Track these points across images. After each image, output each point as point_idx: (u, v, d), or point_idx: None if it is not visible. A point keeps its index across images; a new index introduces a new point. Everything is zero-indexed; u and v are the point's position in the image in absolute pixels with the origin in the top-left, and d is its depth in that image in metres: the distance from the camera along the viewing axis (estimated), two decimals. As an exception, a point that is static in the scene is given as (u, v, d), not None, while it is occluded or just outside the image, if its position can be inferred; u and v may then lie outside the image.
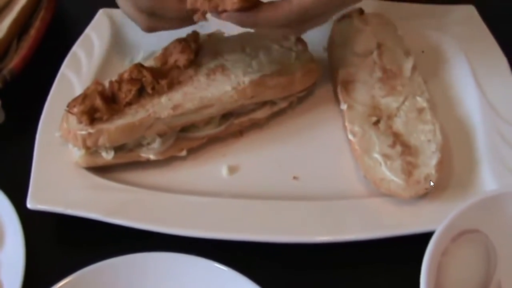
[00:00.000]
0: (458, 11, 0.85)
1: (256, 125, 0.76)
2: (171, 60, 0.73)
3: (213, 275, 0.60)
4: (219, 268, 0.60)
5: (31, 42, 0.83)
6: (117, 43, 0.85)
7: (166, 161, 0.72)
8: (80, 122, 0.68)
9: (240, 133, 0.75)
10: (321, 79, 0.79)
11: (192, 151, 0.73)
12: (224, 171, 0.72)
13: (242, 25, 0.63)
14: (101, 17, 0.87)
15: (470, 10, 0.85)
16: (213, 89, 0.71)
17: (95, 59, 0.82)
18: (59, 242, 0.70)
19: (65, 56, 0.82)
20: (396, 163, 0.66)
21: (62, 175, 0.70)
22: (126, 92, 0.69)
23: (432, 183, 0.64)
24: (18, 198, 0.68)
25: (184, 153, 0.72)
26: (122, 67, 0.82)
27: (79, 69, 0.80)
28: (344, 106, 0.74)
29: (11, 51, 0.84)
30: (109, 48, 0.84)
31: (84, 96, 0.69)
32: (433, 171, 0.65)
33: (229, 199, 0.67)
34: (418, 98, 0.73)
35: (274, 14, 0.61)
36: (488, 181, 0.67)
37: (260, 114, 0.74)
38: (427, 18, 0.85)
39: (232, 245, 0.64)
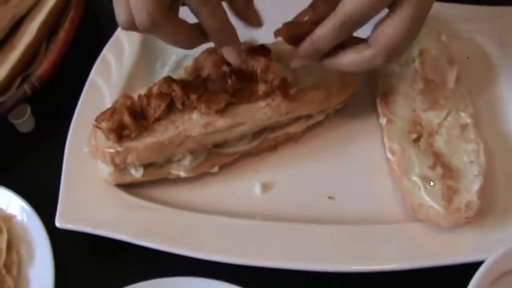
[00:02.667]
0: (508, 15, 0.80)
1: (291, 139, 0.73)
2: (203, 73, 0.70)
3: None
4: None
5: (60, 46, 0.81)
6: (148, 46, 0.82)
7: (197, 176, 0.70)
8: (108, 138, 0.67)
9: (274, 147, 0.73)
10: (361, 87, 0.75)
11: (224, 166, 0.71)
12: (257, 189, 0.70)
13: (306, 55, 0.63)
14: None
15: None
16: (245, 105, 0.68)
17: (125, 63, 0.80)
18: (88, 260, 0.69)
19: (95, 59, 0.80)
20: (436, 187, 0.63)
21: (91, 193, 0.69)
22: (155, 108, 0.67)
23: (473, 212, 0.61)
24: (47, 211, 0.69)
25: (216, 169, 0.70)
26: (153, 71, 0.81)
27: (109, 75, 0.78)
28: (383, 121, 0.71)
29: (40, 54, 0.82)
30: (139, 51, 0.81)
31: (112, 110, 0.67)
32: (474, 198, 0.62)
33: (261, 222, 0.65)
34: (462, 114, 0.69)
35: (322, 27, 0.59)
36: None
37: (295, 128, 0.71)
38: (474, 21, 0.80)
39: (264, 271, 0.62)
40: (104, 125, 0.66)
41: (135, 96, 0.69)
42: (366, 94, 0.76)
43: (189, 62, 0.77)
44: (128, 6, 0.56)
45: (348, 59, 0.61)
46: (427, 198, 0.63)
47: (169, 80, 0.68)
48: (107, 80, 0.78)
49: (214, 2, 0.59)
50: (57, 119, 0.77)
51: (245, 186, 0.70)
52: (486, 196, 0.63)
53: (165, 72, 0.80)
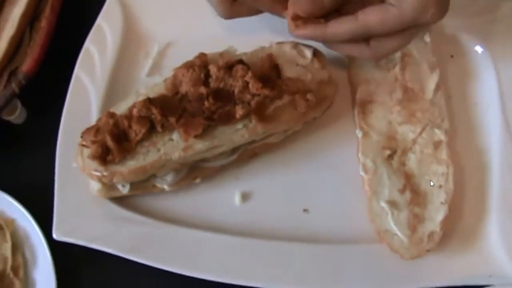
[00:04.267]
0: (498, 10, 0.77)
1: (270, 146, 0.75)
2: (182, 89, 0.70)
3: None
4: None
5: (43, 39, 0.80)
6: (131, 35, 0.82)
7: (181, 184, 0.75)
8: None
9: (254, 154, 0.75)
10: (343, 91, 0.76)
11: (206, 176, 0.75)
12: (237, 198, 0.74)
13: (312, 38, 0.66)
14: (113, 4, 0.82)
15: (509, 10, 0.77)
16: (223, 128, 0.69)
17: (109, 55, 0.80)
18: (86, 260, 0.75)
19: (79, 47, 0.80)
20: (402, 214, 0.67)
21: (84, 205, 0.73)
22: (137, 131, 0.69)
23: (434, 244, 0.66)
24: (43, 210, 0.74)
25: (198, 180, 0.74)
26: (137, 62, 0.81)
27: (93, 70, 0.79)
28: (359, 134, 0.72)
29: (24, 45, 0.81)
30: (122, 41, 0.81)
31: (96, 129, 0.70)
32: (438, 229, 0.66)
33: (239, 238, 0.70)
34: (436, 131, 0.70)
35: (339, 28, 0.64)
36: (494, 238, 0.68)
37: (274, 139, 0.73)
38: (458, 16, 0.76)
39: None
40: (89, 147, 0.69)
41: (117, 111, 0.71)
42: (347, 100, 0.77)
43: (171, 52, 0.79)
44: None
45: (347, 48, 0.67)
46: (393, 226, 0.67)
47: (147, 103, 0.69)
48: (92, 76, 0.79)
49: None
50: (48, 109, 0.81)
51: (226, 195, 0.74)
52: (450, 225, 0.67)
53: (148, 63, 0.81)
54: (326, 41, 0.67)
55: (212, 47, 0.74)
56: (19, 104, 0.81)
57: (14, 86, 0.78)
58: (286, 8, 0.67)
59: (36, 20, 0.83)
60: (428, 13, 0.59)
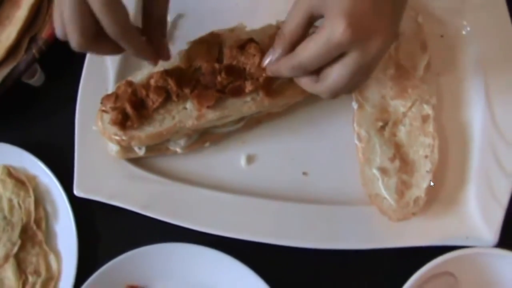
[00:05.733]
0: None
1: (274, 114, 0.82)
2: (196, 63, 0.76)
3: (218, 263, 0.76)
4: (226, 257, 0.75)
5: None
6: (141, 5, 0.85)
7: (191, 146, 0.82)
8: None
9: (259, 121, 0.82)
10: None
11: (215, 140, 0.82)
12: (243, 161, 0.81)
13: (284, 73, 0.67)
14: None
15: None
16: (233, 100, 0.76)
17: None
18: (104, 214, 0.82)
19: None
20: (391, 180, 0.75)
21: (103, 165, 0.81)
22: (154, 100, 0.75)
23: (419, 208, 0.74)
24: (63, 167, 0.81)
25: (207, 144, 0.81)
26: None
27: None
28: (355, 106, 0.79)
29: (42, 13, 0.86)
30: (137, 10, 0.84)
31: (116, 96, 0.76)
32: (422, 195, 0.74)
33: (244, 197, 0.78)
34: (425, 106, 0.77)
35: (282, 65, 0.65)
36: (472, 204, 0.76)
37: (277, 108, 0.80)
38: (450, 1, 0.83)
39: (244, 242, 0.77)
40: (109, 113, 0.76)
41: (134, 80, 0.77)
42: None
43: (183, 23, 0.85)
44: (63, 24, 0.62)
45: (302, 82, 0.67)
46: (383, 190, 0.75)
47: (164, 74, 0.75)
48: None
49: (130, 34, 0.64)
50: (66, 71, 0.87)
51: (232, 158, 0.82)
52: (433, 191, 0.75)
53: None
54: (278, 75, 0.68)
55: (221, 20, 0.80)
56: (38, 68, 0.86)
57: (34, 51, 0.84)
58: (156, 58, 0.70)
59: (54, -13, 0.88)
60: (340, 29, 0.56)
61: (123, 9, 0.62)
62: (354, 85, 0.63)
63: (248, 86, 0.75)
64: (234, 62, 0.76)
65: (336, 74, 0.61)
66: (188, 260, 0.77)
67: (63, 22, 0.62)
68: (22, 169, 0.83)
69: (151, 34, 0.69)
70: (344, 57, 0.60)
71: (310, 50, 0.60)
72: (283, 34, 0.65)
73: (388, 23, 0.59)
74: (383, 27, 0.58)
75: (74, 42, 0.63)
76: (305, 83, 0.66)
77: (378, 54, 0.59)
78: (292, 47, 0.64)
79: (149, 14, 0.69)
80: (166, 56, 0.72)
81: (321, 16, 0.60)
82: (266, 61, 0.69)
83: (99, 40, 0.64)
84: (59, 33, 0.64)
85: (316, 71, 0.64)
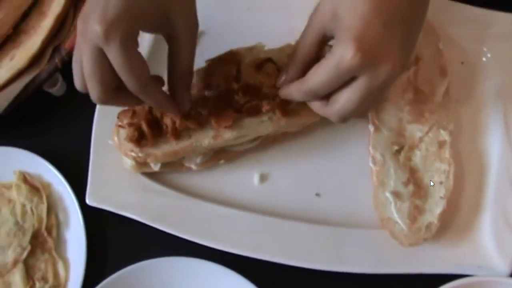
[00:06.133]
0: (506, 21, 0.82)
1: (290, 134, 0.82)
2: (214, 83, 0.77)
3: (224, 279, 0.76)
4: (228, 272, 0.75)
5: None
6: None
7: (205, 162, 0.82)
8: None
9: (275, 140, 0.82)
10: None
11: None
12: (256, 179, 0.81)
13: (296, 97, 0.68)
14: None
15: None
16: (250, 119, 0.76)
17: (147, 38, 0.86)
18: (115, 226, 0.82)
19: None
20: (404, 204, 0.74)
21: (116, 176, 0.81)
22: (167, 124, 0.75)
23: (431, 234, 0.73)
24: (77, 178, 0.82)
25: (222, 162, 0.81)
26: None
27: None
28: (371, 129, 0.79)
29: (67, 24, 0.88)
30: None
31: (133, 112, 0.76)
32: (435, 220, 0.73)
33: (255, 215, 0.78)
34: (442, 131, 0.77)
35: (292, 89, 0.67)
36: (486, 233, 0.74)
37: (294, 128, 0.80)
38: (469, 26, 0.83)
39: (255, 260, 0.76)
40: (125, 128, 0.76)
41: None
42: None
43: (203, 40, 0.86)
44: (82, 78, 0.64)
45: (313, 105, 0.68)
46: (395, 214, 0.74)
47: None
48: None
49: (151, 90, 0.65)
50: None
51: (246, 176, 0.81)
52: (447, 218, 0.74)
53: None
54: (292, 99, 0.70)
55: (241, 38, 0.80)
56: (60, 78, 0.88)
57: (57, 61, 0.86)
58: (178, 111, 0.71)
59: (80, 0, 0.90)
60: (349, 54, 0.57)
61: (143, 65, 0.64)
62: (363, 109, 0.63)
63: (265, 106, 0.75)
64: (251, 81, 0.76)
65: (344, 98, 0.62)
66: (194, 275, 0.77)
67: (83, 76, 0.63)
68: (37, 176, 0.84)
69: (176, 86, 0.70)
70: (354, 81, 0.60)
71: (320, 75, 0.61)
72: (295, 54, 0.66)
73: (398, 51, 0.59)
74: (393, 54, 0.59)
75: (95, 97, 0.64)
76: (316, 106, 0.67)
77: (387, 80, 0.60)
78: (305, 67, 0.65)
79: (175, 67, 0.70)
80: (186, 107, 0.72)
81: (333, 37, 0.61)
82: (280, 81, 0.70)
83: (120, 94, 0.65)
84: (78, 87, 0.66)
85: (327, 95, 0.64)
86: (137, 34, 0.63)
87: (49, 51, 0.87)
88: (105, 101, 0.65)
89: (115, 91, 0.64)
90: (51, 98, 0.89)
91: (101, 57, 0.61)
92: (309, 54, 0.65)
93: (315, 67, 0.62)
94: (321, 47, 0.64)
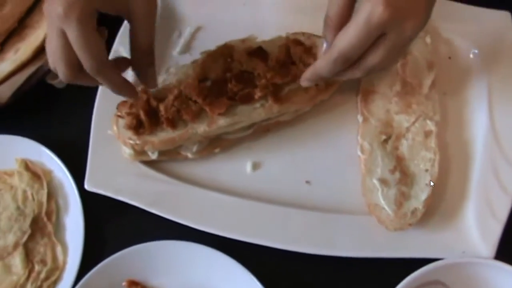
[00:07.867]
0: (493, 19, 0.85)
1: (281, 123, 0.84)
2: (209, 75, 0.80)
3: (217, 262, 0.78)
4: (220, 255, 0.77)
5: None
6: (165, 16, 0.91)
7: (200, 151, 0.85)
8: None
9: (267, 129, 0.85)
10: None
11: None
12: (248, 167, 0.84)
13: (313, 80, 0.71)
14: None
15: (505, 18, 0.85)
16: (243, 107, 0.79)
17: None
18: (113, 211, 0.85)
19: (119, 23, 0.89)
20: (391, 191, 0.77)
21: (114, 163, 0.84)
22: (163, 112, 0.79)
23: (416, 220, 0.75)
24: (77, 165, 0.84)
25: (217, 150, 0.84)
26: (171, 40, 0.91)
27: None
28: (360, 119, 0.82)
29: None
30: (159, 21, 0.87)
31: (131, 104, 0.79)
32: (420, 207, 0.75)
33: (247, 201, 0.81)
34: (428, 122, 0.79)
35: (323, 62, 0.67)
36: (470, 219, 0.77)
37: (285, 117, 0.83)
38: (456, 21, 0.86)
39: (246, 244, 0.79)
40: (124, 118, 0.79)
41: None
42: (352, 89, 0.86)
43: (201, 34, 0.90)
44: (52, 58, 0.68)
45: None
46: (382, 201, 0.76)
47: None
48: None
49: (106, 70, 0.68)
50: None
51: (239, 164, 0.84)
52: (432, 203, 0.77)
53: (180, 43, 0.90)
54: (322, 77, 0.70)
55: (235, 33, 0.84)
56: (62, 70, 0.91)
57: (60, 53, 0.89)
58: (134, 95, 0.74)
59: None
60: (379, 9, 0.59)
61: (100, 45, 0.67)
62: (387, 64, 0.65)
63: (258, 93, 0.78)
64: (243, 68, 0.79)
65: (372, 54, 0.63)
66: (187, 258, 0.79)
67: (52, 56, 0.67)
68: (39, 163, 0.87)
69: (139, 63, 0.74)
70: (382, 38, 0.62)
71: (350, 35, 0.62)
72: (328, 17, 0.66)
73: (423, 6, 0.62)
74: (418, 9, 0.62)
75: (61, 73, 0.68)
76: (346, 74, 0.68)
77: (412, 35, 0.62)
78: (340, 29, 0.65)
79: (135, 44, 0.72)
80: (153, 85, 0.76)
81: None
82: (323, 50, 0.70)
83: (85, 73, 0.68)
84: (51, 65, 0.69)
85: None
86: (95, 14, 0.66)
87: (52, 44, 0.90)
88: (72, 80, 0.69)
89: (80, 70, 0.67)
90: (53, 89, 0.92)
91: (64, 38, 0.65)
92: (341, 14, 0.65)
93: (343, 29, 0.63)
94: (352, 6, 0.65)
